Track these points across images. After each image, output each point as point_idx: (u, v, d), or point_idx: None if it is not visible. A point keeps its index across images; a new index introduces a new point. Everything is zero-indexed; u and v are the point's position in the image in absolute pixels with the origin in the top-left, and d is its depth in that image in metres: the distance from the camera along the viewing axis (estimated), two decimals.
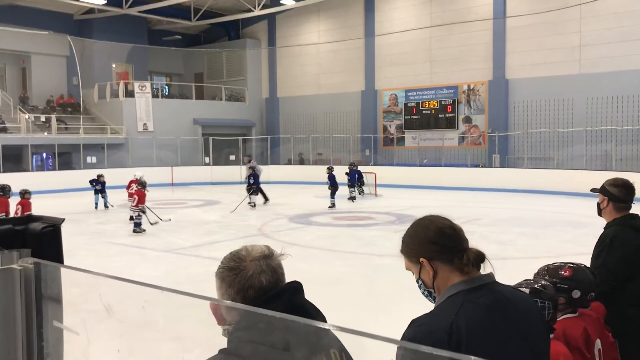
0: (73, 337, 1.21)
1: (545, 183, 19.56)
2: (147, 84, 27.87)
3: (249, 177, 16.83)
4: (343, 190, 18.02)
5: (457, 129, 25.23)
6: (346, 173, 18.54)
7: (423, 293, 1.74)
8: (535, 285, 2.25)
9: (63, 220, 1.34)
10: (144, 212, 12.52)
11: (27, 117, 24.83)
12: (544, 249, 9.95)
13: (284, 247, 1.55)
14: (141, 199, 12.49)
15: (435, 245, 1.66)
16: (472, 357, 0.74)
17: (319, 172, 17.99)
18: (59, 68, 28.61)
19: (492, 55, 24.00)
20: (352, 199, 18.37)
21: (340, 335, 1.11)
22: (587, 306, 2.51)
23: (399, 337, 1.48)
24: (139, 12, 27.39)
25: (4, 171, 21.47)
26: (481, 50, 24.31)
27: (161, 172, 24.37)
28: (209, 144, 27.65)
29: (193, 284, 7.25)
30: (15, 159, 24.08)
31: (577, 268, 2.49)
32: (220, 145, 28.28)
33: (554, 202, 17.01)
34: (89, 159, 25.19)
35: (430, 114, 25.98)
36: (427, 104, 26.08)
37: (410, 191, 21.01)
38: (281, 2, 27.32)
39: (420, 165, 24.52)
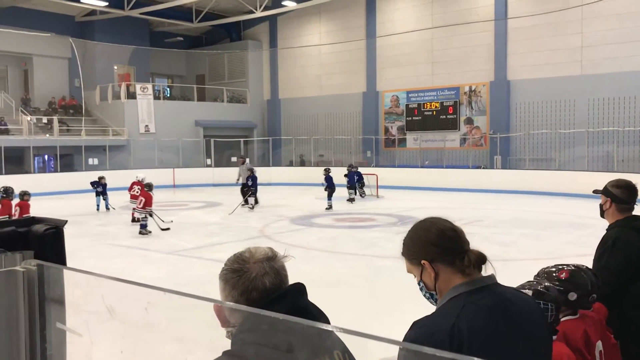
0: (76, 339, 1.21)
1: (547, 184, 19.51)
2: (149, 86, 27.91)
3: (247, 178, 16.82)
4: (342, 192, 18.02)
5: (459, 130, 25.21)
6: (345, 175, 18.54)
7: (424, 295, 1.73)
8: (539, 287, 2.24)
9: (66, 222, 1.35)
10: (151, 215, 12.53)
11: (29, 118, 24.85)
12: (545, 250, 9.94)
13: (286, 249, 1.55)
14: (148, 202, 12.45)
15: (437, 247, 1.66)
16: (474, 359, 0.74)
17: (321, 174, 17.99)
18: (61, 70, 28.64)
19: (494, 56, 23.98)
20: (351, 200, 18.37)
21: (343, 337, 1.11)
22: (589, 308, 2.50)
23: (401, 338, 1.48)
24: (141, 14, 27.43)
25: (6, 173, 21.42)
26: (483, 52, 24.30)
27: (163, 174, 24.35)
28: (211, 146, 27.67)
29: (195, 286, 7.25)
30: (17, 160, 24.11)
31: (574, 270, 2.48)
32: (221, 146, 28.31)
33: (555, 203, 16.98)
34: (90, 161, 25.21)
35: (432, 115, 25.97)
36: (428, 105, 26.07)
37: (411, 193, 20.99)
38: (282, 3, 27.34)
39: (422, 167, 24.51)
